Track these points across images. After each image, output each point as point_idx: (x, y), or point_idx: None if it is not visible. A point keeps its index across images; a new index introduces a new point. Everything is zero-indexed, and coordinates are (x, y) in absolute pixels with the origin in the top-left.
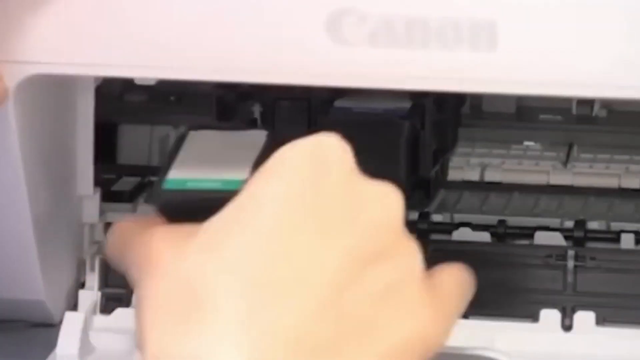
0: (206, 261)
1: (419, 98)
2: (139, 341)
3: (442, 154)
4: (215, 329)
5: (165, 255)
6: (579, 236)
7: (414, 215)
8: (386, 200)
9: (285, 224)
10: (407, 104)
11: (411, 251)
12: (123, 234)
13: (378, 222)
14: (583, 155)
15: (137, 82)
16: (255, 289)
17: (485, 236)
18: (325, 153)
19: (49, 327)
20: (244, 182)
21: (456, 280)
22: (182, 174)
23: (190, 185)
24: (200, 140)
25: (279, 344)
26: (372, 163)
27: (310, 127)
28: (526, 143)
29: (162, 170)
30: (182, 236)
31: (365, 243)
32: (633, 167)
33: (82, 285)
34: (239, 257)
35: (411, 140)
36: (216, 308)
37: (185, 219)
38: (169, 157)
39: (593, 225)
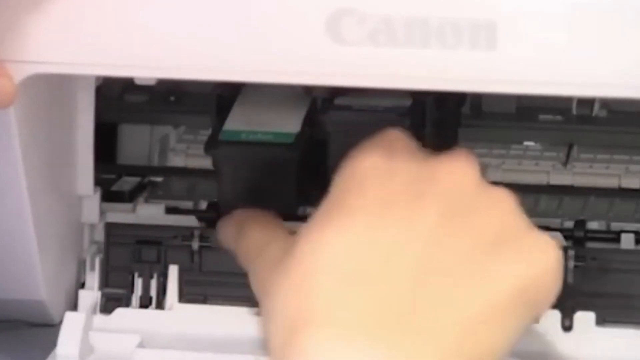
0: (311, 254)
1: (419, 96)
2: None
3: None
4: (306, 308)
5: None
6: (579, 236)
7: None
8: (457, 163)
9: (370, 219)
10: (407, 102)
11: (503, 197)
12: (236, 225)
13: (455, 181)
14: (583, 155)
15: (137, 82)
16: (345, 276)
17: None
18: (392, 146)
19: (49, 327)
20: (294, 135)
21: None
22: (237, 126)
23: (244, 137)
24: (253, 95)
25: (364, 323)
26: None
27: (310, 125)
28: (526, 143)
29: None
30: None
31: (450, 203)
32: (633, 167)
33: (82, 285)
34: (335, 252)
35: (411, 138)
36: (311, 289)
37: (238, 167)
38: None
39: (593, 225)
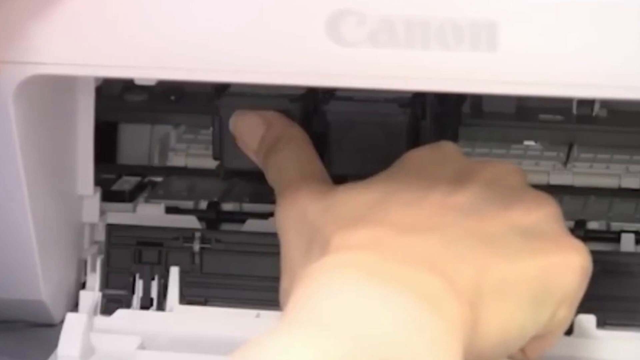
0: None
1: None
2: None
3: None
4: (346, 240)
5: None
6: (579, 236)
7: None
8: (506, 164)
9: (416, 186)
10: (408, 93)
11: (546, 201)
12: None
13: (500, 175)
14: (583, 155)
15: (137, 82)
16: (375, 225)
17: None
18: (439, 145)
19: (50, 328)
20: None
21: None
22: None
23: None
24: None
25: (391, 260)
26: (373, 151)
27: (312, 116)
28: (526, 143)
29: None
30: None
31: (491, 191)
32: (633, 167)
33: (82, 286)
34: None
35: (412, 129)
36: (354, 230)
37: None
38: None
39: (593, 225)
